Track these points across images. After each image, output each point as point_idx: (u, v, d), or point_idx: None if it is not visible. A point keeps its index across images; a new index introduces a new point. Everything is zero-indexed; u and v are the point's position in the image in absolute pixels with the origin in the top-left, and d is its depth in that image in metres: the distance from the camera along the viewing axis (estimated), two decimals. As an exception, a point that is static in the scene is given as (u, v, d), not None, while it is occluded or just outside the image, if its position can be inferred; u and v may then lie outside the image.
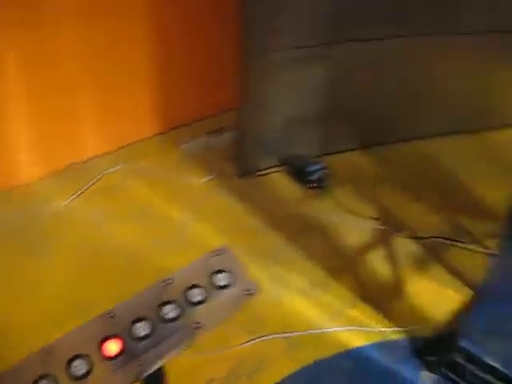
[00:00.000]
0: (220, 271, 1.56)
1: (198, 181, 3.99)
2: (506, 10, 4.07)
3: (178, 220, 3.58)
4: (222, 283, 1.54)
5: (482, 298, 2.72)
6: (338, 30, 3.73)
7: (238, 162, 4.11)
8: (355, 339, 2.88)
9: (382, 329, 2.92)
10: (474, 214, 3.68)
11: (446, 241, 3.50)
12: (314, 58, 3.81)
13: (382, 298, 3.12)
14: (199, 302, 1.49)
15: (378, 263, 3.35)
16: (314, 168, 3.98)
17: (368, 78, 4.05)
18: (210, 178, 4.02)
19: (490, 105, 4.51)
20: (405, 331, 2.91)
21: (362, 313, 3.00)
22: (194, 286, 1.51)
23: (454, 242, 3.48)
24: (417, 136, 4.44)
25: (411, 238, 3.53)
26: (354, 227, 3.62)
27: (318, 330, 2.90)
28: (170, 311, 1.45)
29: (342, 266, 3.32)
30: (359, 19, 3.73)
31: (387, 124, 4.30)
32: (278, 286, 3.12)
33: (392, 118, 4.28)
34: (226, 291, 1.54)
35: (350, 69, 3.94)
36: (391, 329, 2.92)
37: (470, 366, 2.71)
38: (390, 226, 3.62)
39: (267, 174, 4.12)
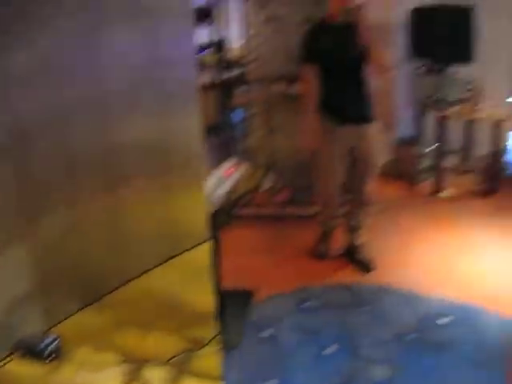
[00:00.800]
0: None
1: None
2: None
3: None
4: None
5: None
6: (27, 213, 4.03)
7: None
8: None
9: None
10: (201, 322, 4.22)
11: (186, 354, 3.91)
12: (12, 242, 4.01)
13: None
14: None
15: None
16: (46, 342, 4.03)
17: (72, 243, 4.38)
18: None
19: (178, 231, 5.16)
20: None
21: None
22: None
23: (192, 353, 3.92)
24: (133, 275, 4.88)
25: (158, 364, 3.83)
26: (104, 378, 3.78)
27: None
28: None
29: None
30: (41, 197, 4.11)
31: (102, 276, 4.66)
32: None
33: (103, 270, 4.65)
34: None
35: (50, 241, 4.23)
36: None
37: None
38: (137, 362, 3.87)
39: (2, 366, 4.04)
